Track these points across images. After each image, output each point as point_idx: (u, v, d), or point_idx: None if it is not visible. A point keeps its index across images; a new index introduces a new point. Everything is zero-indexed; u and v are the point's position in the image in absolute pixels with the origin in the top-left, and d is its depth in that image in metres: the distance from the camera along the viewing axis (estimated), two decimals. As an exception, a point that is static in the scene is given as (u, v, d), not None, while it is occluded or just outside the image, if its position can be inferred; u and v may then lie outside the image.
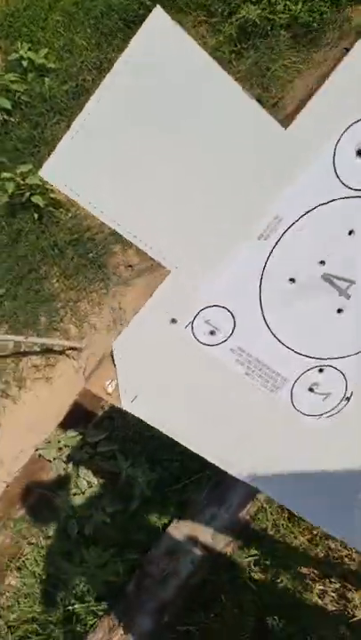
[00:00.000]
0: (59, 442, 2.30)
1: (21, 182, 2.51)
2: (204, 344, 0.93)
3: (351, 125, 0.81)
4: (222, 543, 1.94)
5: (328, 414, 0.99)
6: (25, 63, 2.86)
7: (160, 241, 0.85)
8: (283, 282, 0.90)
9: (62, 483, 2.29)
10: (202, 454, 0.98)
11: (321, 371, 0.96)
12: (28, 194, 2.56)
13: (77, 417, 2.41)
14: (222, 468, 0.99)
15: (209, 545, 1.94)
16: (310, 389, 0.97)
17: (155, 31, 0.72)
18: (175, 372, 0.95)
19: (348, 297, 0.91)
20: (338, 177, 0.84)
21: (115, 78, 0.74)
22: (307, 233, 0.87)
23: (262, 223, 0.86)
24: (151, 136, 0.78)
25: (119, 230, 0.83)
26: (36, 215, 2.64)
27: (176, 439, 0.96)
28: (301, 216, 0.86)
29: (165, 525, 2.06)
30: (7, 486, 2.37)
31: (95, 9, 2.90)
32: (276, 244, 0.87)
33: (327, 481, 1.02)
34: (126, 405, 0.94)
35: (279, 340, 0.93)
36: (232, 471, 1.00)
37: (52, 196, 2.61)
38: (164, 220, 0.83)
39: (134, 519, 2.14)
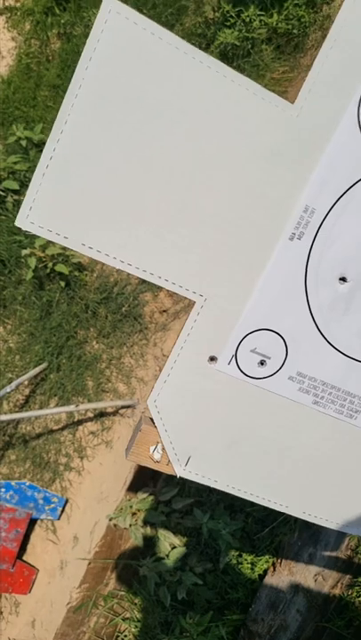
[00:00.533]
0: (131, 507, 2.19)
1: (42, 255, 2.53)
2: (255, 378, 0.79)
3: None
4: (328, 584, 1.76)
5: None
6: (24, 143, 2.94)
7: (173, 269, 0.73)
8: (333, 284, 0.76)
9: (144, 549, 2.17)
10: (278, 508, 0.85)
11: None
12: (50, 264, 2.56)
13: (144, 476, 2.30)
14: (303, 518, 0.87)
15: (313, 589, 1.76)
16: None
17: (110, 23, 0.62)
18: (227, 418, 0.80)
19: None
20: None
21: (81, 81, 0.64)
22: (348, 218, 0.73)
23: (292, 220, 0.73)
24: (137, 143, 0.66)
25: (109, 263, 0.71)
26: (62, 283, 2.64)
27: (247, 498, 0.83)
28: (337, 200, 0.72)
29: (262, 576, 1.90)
30: (89, 564, 2.26)
31: (78, 76, 2.98)
32: (314, 240, 0.74)
33: None
34: (180, 472, 0.80)
35: (346, 354, 0.79)
36: (307, 517, 0.87)
37: (73, 261, 2.61)
38: (174, 243, 0.71)
39: (226, 575, 1.98)
